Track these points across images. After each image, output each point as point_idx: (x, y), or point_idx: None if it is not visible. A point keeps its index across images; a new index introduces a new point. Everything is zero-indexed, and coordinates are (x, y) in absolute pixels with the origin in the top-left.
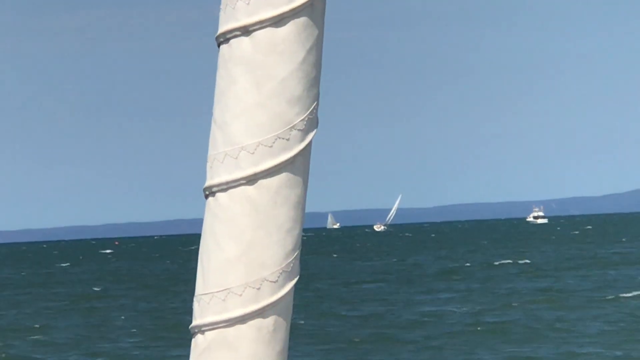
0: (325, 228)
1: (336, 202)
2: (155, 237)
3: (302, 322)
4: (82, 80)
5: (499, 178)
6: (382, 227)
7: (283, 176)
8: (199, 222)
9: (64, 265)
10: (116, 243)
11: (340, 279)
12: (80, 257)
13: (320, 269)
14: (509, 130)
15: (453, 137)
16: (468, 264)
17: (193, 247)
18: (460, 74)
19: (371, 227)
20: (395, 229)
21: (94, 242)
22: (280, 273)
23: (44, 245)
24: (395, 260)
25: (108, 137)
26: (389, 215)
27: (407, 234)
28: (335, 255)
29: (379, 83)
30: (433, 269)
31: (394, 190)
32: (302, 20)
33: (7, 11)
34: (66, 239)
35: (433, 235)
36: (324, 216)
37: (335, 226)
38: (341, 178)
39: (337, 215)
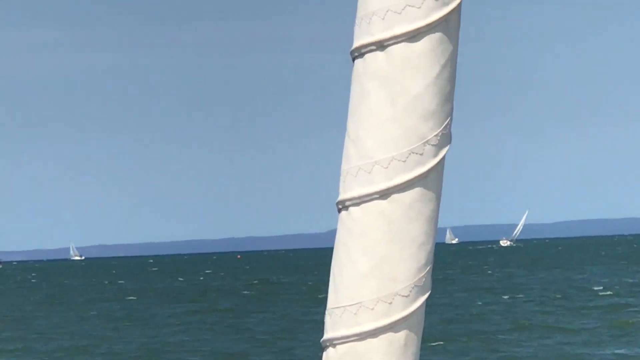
0: (444, 243)
1: (455, 217)
2: (279, 251)
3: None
4: (219, 96)
5: (630, 192)
6: (509, 243)
7: (416, 191)
8: (318, 237)
9: (205, 274)
10: (238, 257)
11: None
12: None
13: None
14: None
15: (582, 150)
16: None
17: (315, 262)
18: (582, 88)
19: (494, 242)
20: (524, 244)
21: (215, 256)
22: (413, 287)
23: (165, 259)
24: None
25: (232, 150)
26: (516, 231)
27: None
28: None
29: (506, 98)
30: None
31: (516, 205)
32: (437, 35)
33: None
34: (185, 252)
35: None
36: (442, 231)
37: (453, 241)
38: (461, 193)
39: (455, 230)
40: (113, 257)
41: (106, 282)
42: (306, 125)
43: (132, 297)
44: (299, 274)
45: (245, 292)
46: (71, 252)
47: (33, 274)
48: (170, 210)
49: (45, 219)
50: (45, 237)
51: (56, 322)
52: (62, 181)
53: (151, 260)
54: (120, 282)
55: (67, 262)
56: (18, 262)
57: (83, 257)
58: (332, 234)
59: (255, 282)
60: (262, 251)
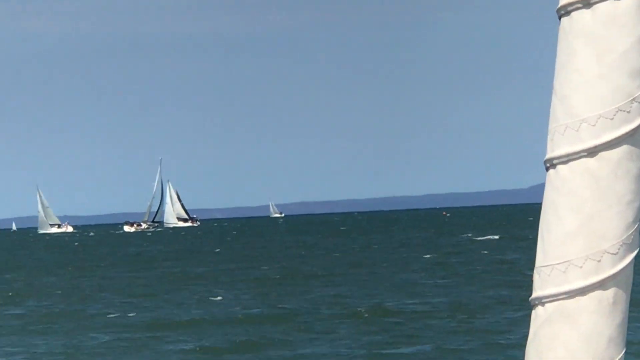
0: None
1: None
2: (483, 207)
3: None
4: (415, 53)
5: None
6: None
7: (624, 148)
8: (519, 193)
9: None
10: (444, 214)
11: None
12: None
13: None
14: None
15: None
16: None
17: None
18: None
19: None
20: None
21: (420, 212)
22: (621, 245)
23: (359, 216)
24: None
25: (431, 104)
26: None
27: None
28: None
29: None
30: None
31: None
32: None
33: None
34: (385, 209)
35: None
36: None
37: None
38: None
39: None
40: (313, 214)
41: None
42: (511, 82)
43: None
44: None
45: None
46: (271, 209)
47: (234, 232)
48: (369, 166)
49: (244, 177)
50: (246, 195)
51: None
52: (262, 139)
53: (359, 217)
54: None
55: (266, 220)
56: (217, 219)
57: (283, 214)
58: (534, 190)
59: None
60: (464, 207)
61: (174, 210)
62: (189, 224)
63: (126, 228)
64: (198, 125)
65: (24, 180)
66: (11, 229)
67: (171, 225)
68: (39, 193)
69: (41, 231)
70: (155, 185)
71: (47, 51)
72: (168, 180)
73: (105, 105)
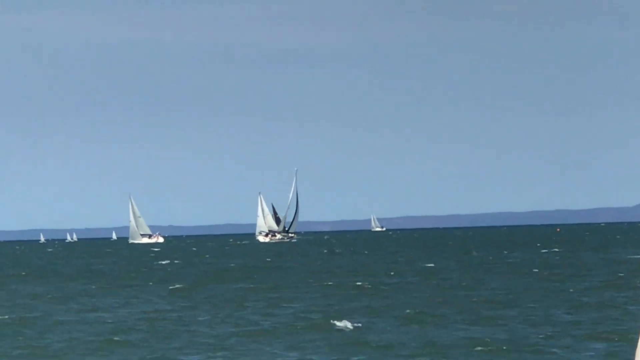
0: None
1: None
2: (591, 224)
3: None
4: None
5: None
6: None
7: None
8: (625, 211)
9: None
10: (558, 230)
11: None
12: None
13: None
14: None
15: None
16: None
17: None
18: None
19: None
20: None
21: (524, 229)
22: None
23: (469, 233)
24: None
25: (541, 122)
26: None
27: None
28: None
29: None
30: None
31: None
32: None
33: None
34: (490, 225)
35: None
36: None
37: None
38: None
39: None
40: (416, 229)
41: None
42: (615, 99)
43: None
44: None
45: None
46: (372, 223)
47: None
48: (475, 181)
49: (348, 191)
50: (348, 208)
51: None
52: (362, 154)
53: (481, 231)
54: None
55: (367, 233)
56: (318, 232)
57: (384, 228)
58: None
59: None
60: (574, 224)
61: (265, 223)
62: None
63: (260, 238)
64: (307, 139)
65: (118, 189)
66: (111, 237)
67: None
68: (131, 202)
69: (131, 241)
70: (291, 196)
71: (149, 58)
72: (259, 192)
73: (226, 120)
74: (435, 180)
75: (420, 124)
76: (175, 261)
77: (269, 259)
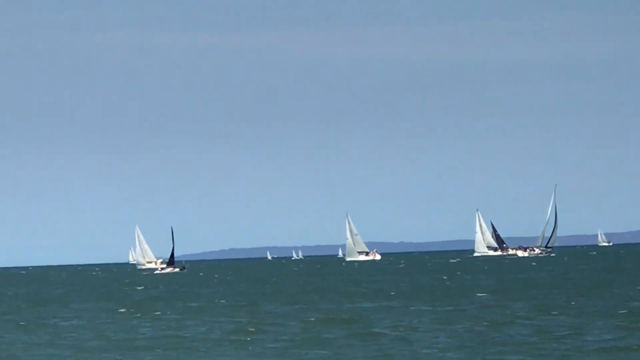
0: None
1: None
2: None
3: None
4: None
5: None
6: None
7: None
8: None
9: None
10: None
11: None
12: None
13: None
14: None
15: None
16: None
17: None
18: None
19: None
20: None
21: None
22: None
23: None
24: None
25: None
26: None
27: None
28: None
29: None
30: None
31: None
32: None
33: None
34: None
35: None
36: None
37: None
38: None
39: None
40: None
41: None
42: None
43: None
44: None
45: None
46: (599, 238)
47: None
48: None
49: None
50: (576, 223)
51: None
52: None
53: None
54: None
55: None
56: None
57: (611, 243)
58: None
59: None
60: None
61: (484, 238)
62: (496, 252)
63: (519, 253)
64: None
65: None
66: (337, 254)
67: (479, 254)
68: (348, 220)
69: (348, 258)
70: (550, 211)
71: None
72: (477, 209)
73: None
74: None
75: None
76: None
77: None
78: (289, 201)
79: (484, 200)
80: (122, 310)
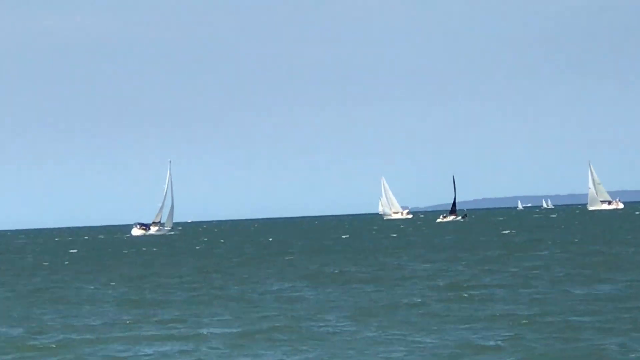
0: None
1: None
2: None
3: None
4: None
5: None
6: None
7: None
8: None
9: None
10: None
11: None
12: None
13: None
14: None
15: None
16: None
17: None
18: None
19: None
20: None
21: None
22: None
23: None
24: None
25: None
26: None
27: None
28: None
29: None
30: None
31: None
32: None
33: None
34: None
35: None
36: None
37: None
38: None
39: None
40: None
41: None
42: None
43: None
44: None
45: None
46: None
47: None
48: None
49: None
50: None
51: None
52: None
53: None
54: None
55: None
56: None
57: None
58: None
59: None
60: None
61: None
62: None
63: None
64: None
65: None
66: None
67: None
68: (591, 169)
69: (590, 208)
70: None
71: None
72: None
73: None
74: None
75: None
76: None
77: None
78: (538, 152)
79: None
80: None
